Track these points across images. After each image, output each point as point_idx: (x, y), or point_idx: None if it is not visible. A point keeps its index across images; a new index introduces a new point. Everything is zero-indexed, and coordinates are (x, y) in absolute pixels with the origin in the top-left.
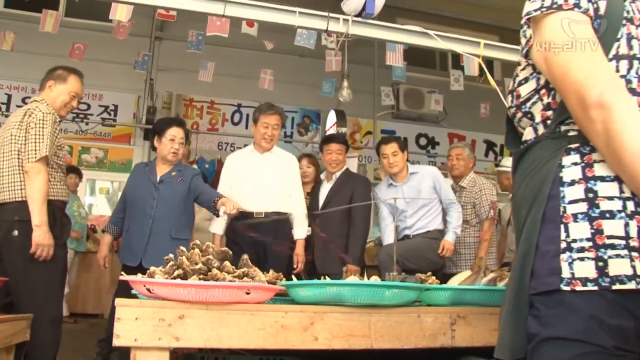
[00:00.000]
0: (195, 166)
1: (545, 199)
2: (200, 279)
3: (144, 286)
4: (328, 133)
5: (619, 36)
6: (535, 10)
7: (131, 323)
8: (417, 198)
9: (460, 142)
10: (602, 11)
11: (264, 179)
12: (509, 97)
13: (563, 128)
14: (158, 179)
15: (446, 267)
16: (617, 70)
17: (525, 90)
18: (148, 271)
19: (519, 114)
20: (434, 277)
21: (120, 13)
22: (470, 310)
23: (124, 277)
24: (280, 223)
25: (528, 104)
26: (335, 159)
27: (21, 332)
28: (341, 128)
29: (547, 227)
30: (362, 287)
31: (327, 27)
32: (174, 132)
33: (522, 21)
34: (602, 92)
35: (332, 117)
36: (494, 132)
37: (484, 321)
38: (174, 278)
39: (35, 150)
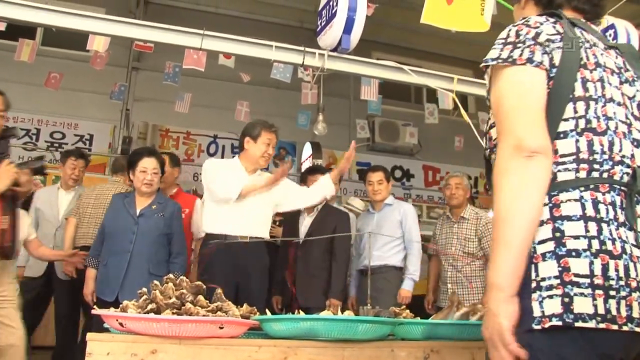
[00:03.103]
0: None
1: None
2: (173, 313)
3: (117, 320)
4: (304, 165)
5: (574, 81)
6: (492, 60)
7: (102, 358)
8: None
9: (456, 172)
10: (556, 61)
11: (250, 204)
12: (484, 139)
13: None
14: (138, 212)
15: None
16: (576, 111)
17: (495, 133)
18: (121, 305)
19: (493, 156)
20: (407, 311)
21: (98, 44)
22: (444, 344)
23: (96, 310)
24: (260, 247)
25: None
26: None
27: None
28: (317, 160)
29: None
30: (335, 321)
31: (303, 62)
32: (146, 164)
33: (482, 65)
34: (536, 148)
35: (307, 149)
36: (469, 165)
37: (457, 355)
38: (147, 312)
39: None
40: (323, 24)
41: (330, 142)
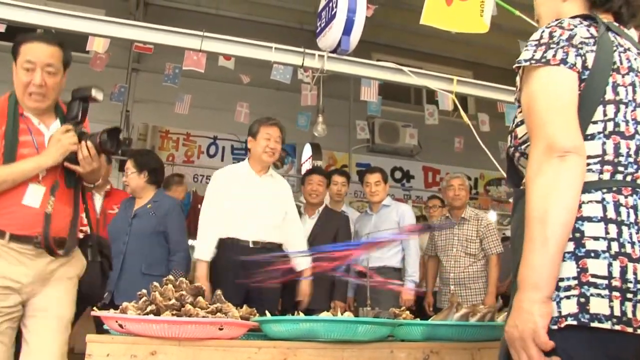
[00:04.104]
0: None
1: None
2: (173, 314)
3: (116, 322)
4: (303, 166)
5: (605, 85)
6: (526, 61)
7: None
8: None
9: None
10: (589, 63)
11: (262, 206)
12: (509, 137)
13: None
14: (133, 213)
15: None
16: (605, 114)
17: (521, 132)
18: (120, 307)
19: (517, 154)
20: (407, 312)
21: (97, 45)
22: (443, 345)
23: (95, 312)
24: (272, 251)
25: (523, 147)
26: (316, 190)
27: None
28: (316, 161)
29: None
30: (335, 323)
31: (302, 63)
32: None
33: (514, 66)
34: (569, 148)
35: (307, 151)
36: (468, 166)
37: (457, 356)
38: (147, 314)
39: None
40: (323, 25)
41: (330, 143)
